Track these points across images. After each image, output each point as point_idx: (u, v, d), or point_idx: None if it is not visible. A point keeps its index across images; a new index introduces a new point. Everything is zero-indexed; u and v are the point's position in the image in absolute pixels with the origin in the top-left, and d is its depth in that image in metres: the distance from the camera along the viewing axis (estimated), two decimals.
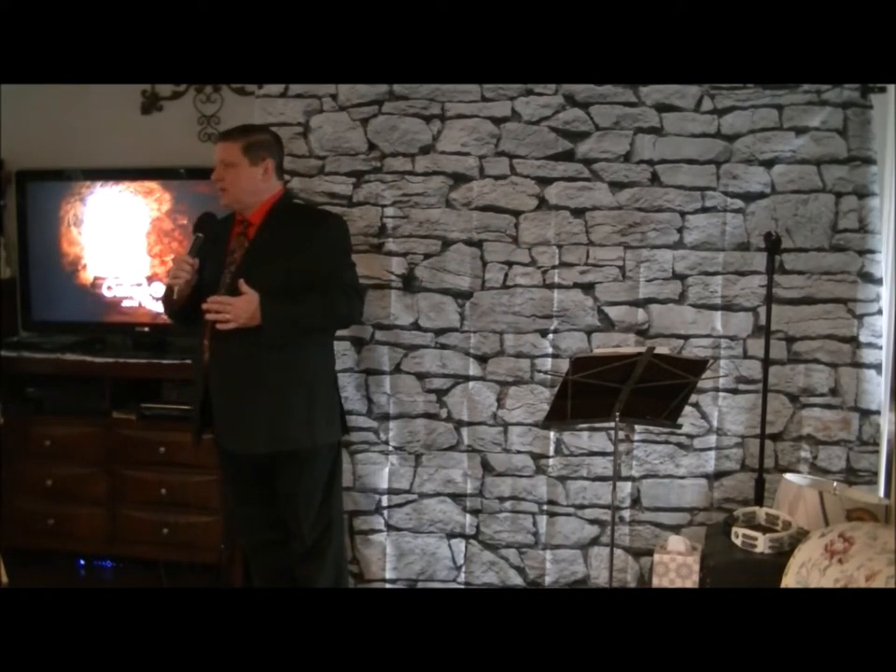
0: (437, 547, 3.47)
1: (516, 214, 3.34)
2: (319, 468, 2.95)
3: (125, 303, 3.97)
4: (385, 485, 3.46)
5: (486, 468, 3.43)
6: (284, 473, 2.90)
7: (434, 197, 3.36)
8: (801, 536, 2.47)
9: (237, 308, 2.71)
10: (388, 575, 3.48)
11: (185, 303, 2.87)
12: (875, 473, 3.22)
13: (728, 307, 3.28)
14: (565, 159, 3.30)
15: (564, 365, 3.02)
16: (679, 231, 3.27)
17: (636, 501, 3.37)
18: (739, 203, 3.24)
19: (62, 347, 3.89)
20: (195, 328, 2.91)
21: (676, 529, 3.28)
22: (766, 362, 3.08)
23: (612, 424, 2.89)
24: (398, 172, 3.38)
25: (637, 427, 3.31)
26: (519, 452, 3.41)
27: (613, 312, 3.32)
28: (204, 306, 2.73)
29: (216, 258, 2.88)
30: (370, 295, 3.32)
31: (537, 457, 3.40)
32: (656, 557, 2.98)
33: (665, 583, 2.95)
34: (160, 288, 3.89)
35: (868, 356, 3.21)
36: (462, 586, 3.48)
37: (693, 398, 3.13)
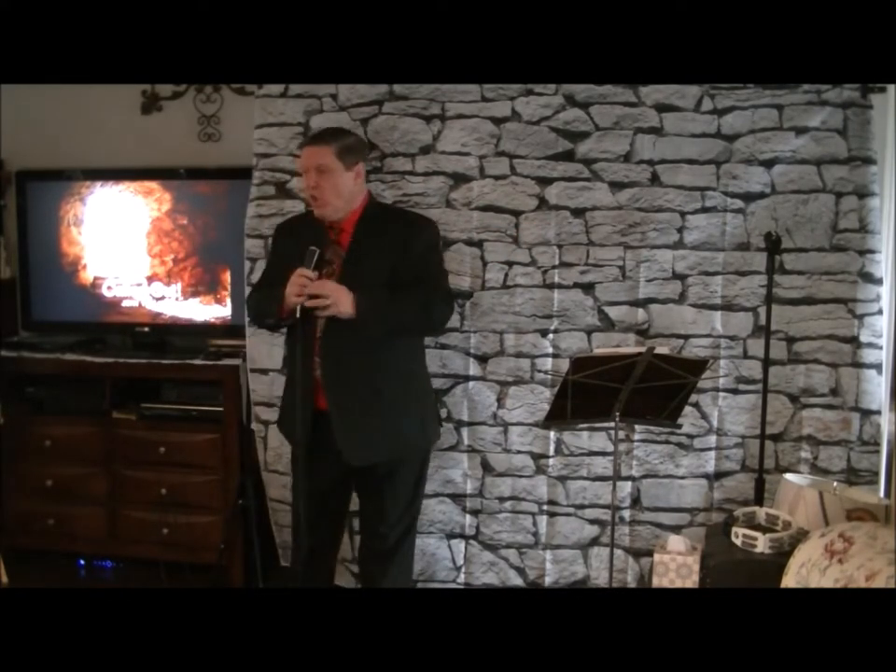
0: (437, 547, 3.47)
1: (516, 214, 3.34)
2: (415, 468, 2.95)
3: (125, 303, 3.97)
4: None
5: (486, 468, 3.43)
6: (385, 477, 2.86)
7: (434, 197, 3.36)
8: (801, 536, 2.47)
9: (339, 293, 2.65)
10: None
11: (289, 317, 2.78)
12: (876, 473, 3.22)
13: (728, 307, 3.28)
14: (565, 159, 3.30)
15: (564, 365, 3.02)
16: (679, 231, 3.27)
17: (636, 501, 3.37)
18: (739, 203, 3.24)
19: (61, 347, 3.89)
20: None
21: (676, 529, 3.28)
22: (766, 362, 3.08)
23: (612, 424, 2.90)
24: (398, 172, 3.37)
25: (637, 427, 3.31)
26: (519, 452, 3.41)
27: (613, 312, 3.32)
28: (307, 290, 2.64)
29: (318, 266, 2.76)
30: None
31: (537, 457, 3.40)
32: (656, 557, 2.98)
33: (665, 583, 2.95)
34: (157, 289, 3.89)
35: (868, 356, 3.21)
36: (462, 586, 3.48)
37: (693, 398, 3.13)
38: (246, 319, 3.51)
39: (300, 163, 2.88)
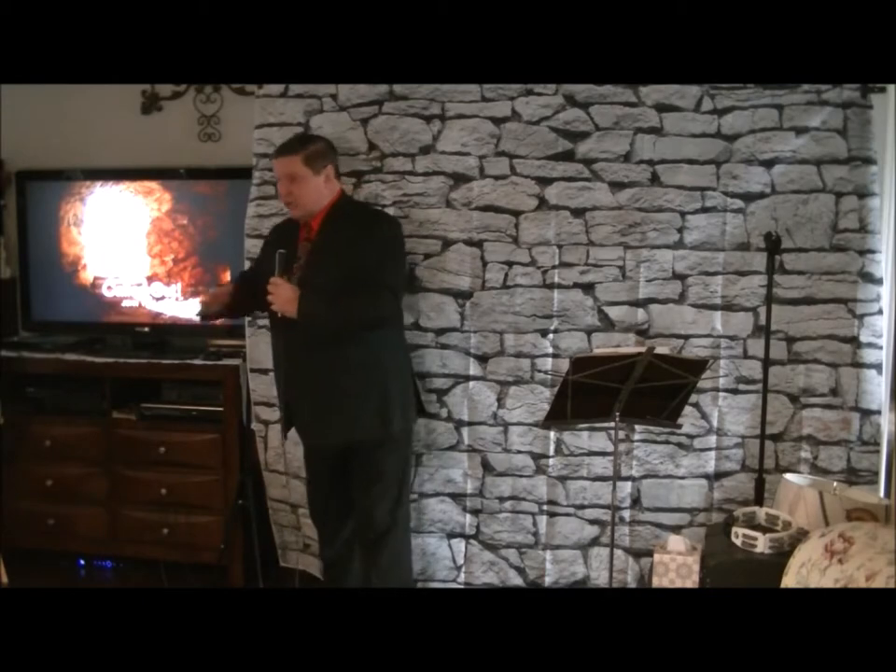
0: (437, 547, 3.47)
1: (516, 214, 3.34)
2: (392, 454, 3.06)
3: (125, 303, 3.98)
4: None
5: (486, 467, 3.43)
6: (360, 462, 3.02)
7: (434, 197, 3.36)
8: (801, 536, 2.47)
9: (281, 293, 2.81)
10: None
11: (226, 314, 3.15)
12: (876, 473, 3.22)
13: (728, 307, 3.28)
14: (565, 159, 3.30)
15: (564, 365, 3.02)
16: (679, 230, 3.27)
17: (636, 501, 3.37)
18: (739, 203, 3.24)
19: (62, 347, 3.90)
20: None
21: (676, 529, 3.28)
22: (766, 362, 3.08)
23: (612, 424, 2.90)
24: (398, 172, 3.38)
25: (637, 427, 3.31)
26: (519, 452, 3.41)
27: (613, 312, 3.32)
28: (269, 288, 2.83)
29: (286, 266, 2.92)
30: None
31: (537, 457, 3.40)
32: (656, 557, 2.98)
33: (665, 583, 2.95)
34: (157, 289, 3.91)
35: (868, 356, 3.21)
36: (462, 586, 3.48)
37: (693, 398, 3.13)
38: (246, 319, 3.52)
39: (275, 173, 3.03)
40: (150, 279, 3.94)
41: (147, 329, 3.95)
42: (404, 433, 3.12)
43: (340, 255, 2.88)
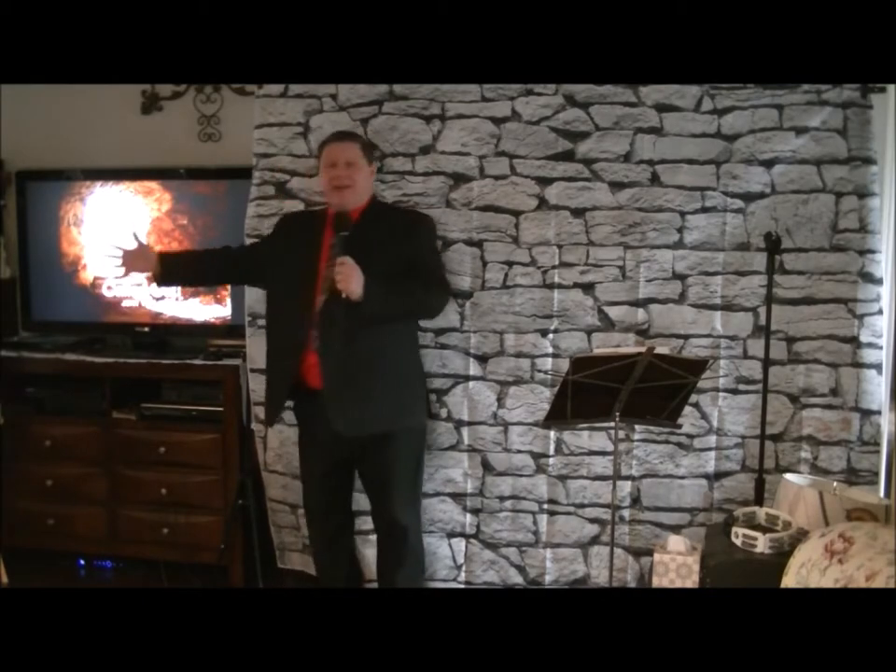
0: (437, 546, 3.47)
1: (516, 214, 3.34)
2: (410, 449, 3.11)
3: (125, 303, 3.97)
4: None
5: (487, 467, 3.43)
6: (381, 455, 3.02)
7: (434, 197, 3.36)
8: (801, 536, 2.47)
9: (349, 272, 2.75)
10: None
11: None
12: (876, 473, 3.22)
13: (728, 307, 3.28)
14: (565, 159, 3.30)
15: (564, 365, 3.02)
16: (679, 230, 3.27)
17: (636, 501, 3.37)
18: (739, 203, 3.24)
19: (62, 347, 3.89)
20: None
21: (676, 529, 3.28)
22: (766, 362, 3.08)
23: (612, 424, 2.90)
24: (398, 172, 3.37)
25: (637, 427, 3.31)
26: (519, 451, 3.41)
27: (613, 312, 3.32)
28: (335, 266, 2.78)
29: (306, 248, 2.97)
30: None
31: (537, 457, 3.40)
32: (656, 557, 2.98)
33: (665, 583, 2.95)
34: (157, 289, 3.90)
35: (868, 356, 3.20)
36: (462, 585, 3.48)
37: (693, 398, 3.13)
38: (246, 319, 3.52)
39: (326, 158, 3.01)
40: (150, 279, 3.93)
41: (146, 329, 3.95)
42: (423, 428, 3.21)
43: (385, 249, 2.93)
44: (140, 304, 3.96)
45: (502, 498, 3.43)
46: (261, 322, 3.48)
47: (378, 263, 2.84)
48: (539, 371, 3.36)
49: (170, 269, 3.14)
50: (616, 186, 3.28)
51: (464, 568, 3.48)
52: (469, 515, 3.46)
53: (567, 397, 2.78)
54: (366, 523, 3.43)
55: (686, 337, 3.29)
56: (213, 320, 3.90)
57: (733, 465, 3.30)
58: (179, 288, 3.89)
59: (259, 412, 3.55)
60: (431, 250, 3.14)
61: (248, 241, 3.49)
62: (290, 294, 2.96)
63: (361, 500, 3.41)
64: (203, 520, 3.70)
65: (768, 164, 3.21)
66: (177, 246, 3.88)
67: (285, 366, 2.99)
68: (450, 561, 3.48)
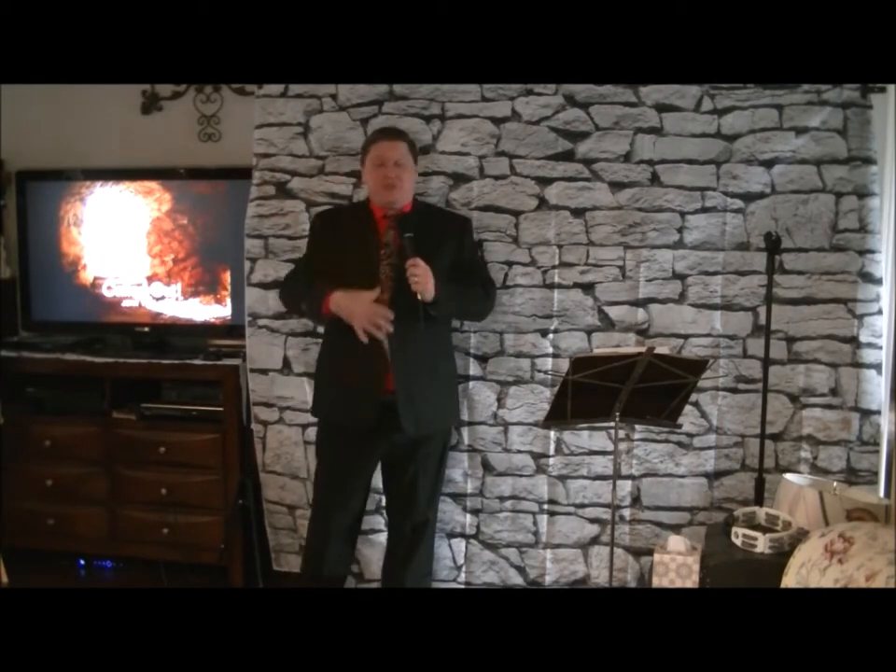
0: (437, 546, 3.46)
1: (516, 214, 3.34)
2: (445, 447, 3.20)
3: (125, 303, 3.98)
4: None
5: (487, 467, 3.43)
6: (418, 452, 3.05)
7: (434, 197, 3.36)
8: (801, 536, 2.47)
9: (424, 273, 2.80)
10: None
11: None
12: (876, 473, 3.22)
13: (728, 307, 3.28)
14: (565, 159, 3.30)
15: (564, 365, 3.02)
16: (679, 231, 3.27)
17: (636, 500, 3.37)
18: (739, 203, 3.24)
19: (62, 347, 3.89)
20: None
21: (676, 528, 3.28)
22: (766, 362, 3.08)
23: (612, 423, 2.90)
24: None
25: (637, 426, 3.31)
26: (519, 451, 3.41)
27: (613, 312, 3.32)
28: (409, 269, 2.79)
29: (362, 248, 2.96)
30: None
31: (537, 457, 3.40)
32: (656, 557, 2.98)
33: (665, 583, 2.95)
34: (157, 289, 3.90)
35: (868, 356, 3.21)
36: (462, 585, 3.48)
37: (693, 397, 3.13)
38: (246, 319, 3.52)
39: (374, 156, 2.98)
40: (150, 279, 3.94)
41: (146, 329, 3.95)
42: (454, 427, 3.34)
43: (442, 250, 2.98)
44: (140, 304, 3.96)
45: (502, 499, 3.43)
46: (262, 322, 3.48)
47: (438, 263, 2.89)
48: (539, 371, 3.36)
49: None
50: (616, 186, 3.28)
51: (464, 569, 3.48)
52: (469, 515, 3.46)
53: (567, 397, 2.78)
54: (365, 523, 3.43)
55: (686, 337, 3.29)
56: (213, 320, 3.90)
57: (733, 464, 3.31)
58: (179, 288, 3.90)
59: (259, 411, 3.55)
60: (475, 251, 3.23)
61: (248, 241, 3.49)
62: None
63: None
64: (202, 520, 3.70)
65: (768, 164, 3.21)
66: (177, 247, 3.88)
67: (365, 371, 2.92)
68: (450, 561, 3.48)
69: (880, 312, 3.20)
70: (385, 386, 2.92)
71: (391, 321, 2.84)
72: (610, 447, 3.22)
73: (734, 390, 3.29)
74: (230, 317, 3.85)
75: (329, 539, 3.10)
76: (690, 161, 3.25)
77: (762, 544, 2.55)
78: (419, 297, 2.79)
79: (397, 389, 2.90)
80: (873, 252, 3.19)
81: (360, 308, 2.86)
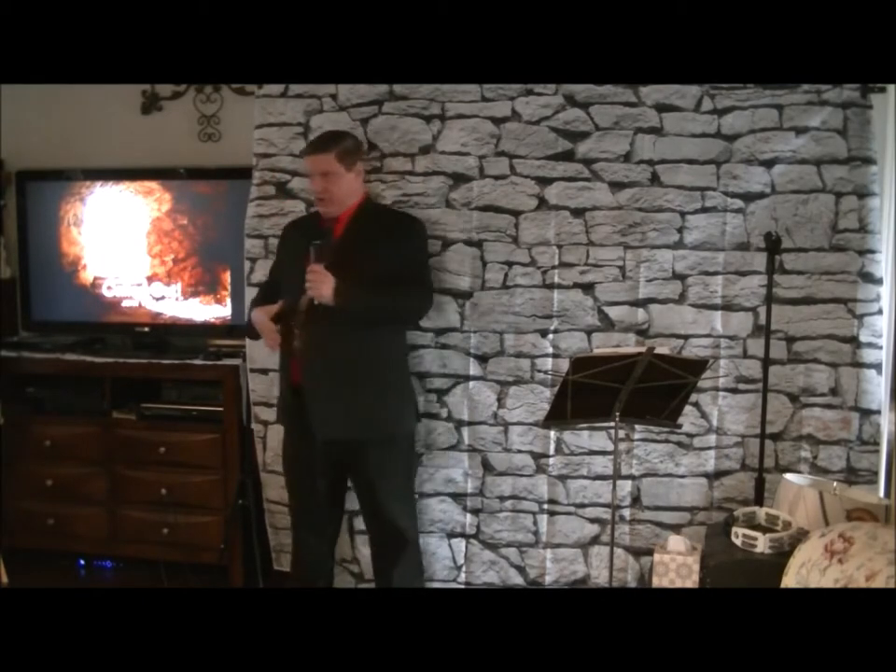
0: (437, 546, 3.47)
1: (516, 214, 3.34)
2: (398, 455, 3.11)
3: (125, 303, 3.98)
4: None
5: (487, 467, 3.43)
6: (370, 460, 3.01)
7: (434, 197, 3.36)
8: (801, 536, 2.47)
9: (320, 279, 2.80)
10: None
11: None
12: (876, 473, 3.22)
13: (728, 307, 3.28)
14: (565, 159, 3.30)
15: (564, 365, 3.02)
16: (679, 231, 3.27)
17: (636, 500, 3.37)
18: (739, 203, 3.24)
19: (62, 347, 3.90)
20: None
21: (676, 528, 3.28)
22: (766, 362, 3.08)
23: (612, 423, 2.90)
24: (398, 172, 3.38)
25: (637, 426, 3.31)
26: (519, 451, 3.41)
27: (613, 312, 3.32)
28: (307, 275, 2.81)
29: (298, 255, 2.95)
30: None
31: (537, 457, 3.40)
32: (656, 557, 2.98)
33: (665, 583, 2.95)
34: (157, 289, 3.91)
35: (868, 355, 3.20)
36: (462, 586, 3.48)
37: (693, 397, 3.13)
38: (246, 319, 3.51)
39: (307, 169, 3.04)
40: (150, 279, 3.94)
41: (146, 329, 3.95)
42: (411, 434, 3.20)
43: (371, 251, 2.94)
44: (140, 304, 3.96)
45: (502, 498, 3.43)
46: None
47: (366, 265, 2.87)
48: (539, 370, 3.36)
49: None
50: (616, 186, 3.28)
51: (464, 569, 3.48)
52: (469, 515, 3.46)
53: (567, 397, 2.78)
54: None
55: (686, 337, 3.29)
56: (213, 320, 3.90)
57: (733, 464, 3.30)
58: (179, 288, 3.90)
59: (259, 412, 3.55)
60: (418, 253, 3.11)
61: (248, 241, 3.49)
62: (290, 302, 2.93)
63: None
64: (202, 520, 3.70)
65: (768, 164, 3.21)
66: (177, 247, 3.88)
67: (283, 365, 3.05)
68: (450, 561, 3.48)
69: (880, 312, 3.20)
70: (292, 377, 2.97)
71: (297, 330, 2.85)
72: (610, 447, 3.22)
73: (734, 390, 3.29)
74: (230, 317, 3.85)
75: (304, 539, 3.15)
76: (690, 161, 3.25)
77: (762, 544, 2.55)
78: (314, 301, 2.81)
79: (305, 391, 2.92)
80: (873, 252, 3.19)
81: (259, 323, 2.97)
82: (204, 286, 3.88)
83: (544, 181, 3.31)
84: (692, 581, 2.90)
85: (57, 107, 4.06)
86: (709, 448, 3.31)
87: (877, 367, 3.21)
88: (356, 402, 2.94)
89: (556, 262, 3.33)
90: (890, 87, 3.15)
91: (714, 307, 3.29)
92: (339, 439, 2.96)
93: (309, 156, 3.01)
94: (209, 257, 3.87)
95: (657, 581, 2.97)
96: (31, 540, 3.83)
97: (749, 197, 3.23)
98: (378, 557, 3.19)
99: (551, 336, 3.36)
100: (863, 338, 3.20)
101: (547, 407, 3.06)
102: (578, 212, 3.31)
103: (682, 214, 3.26)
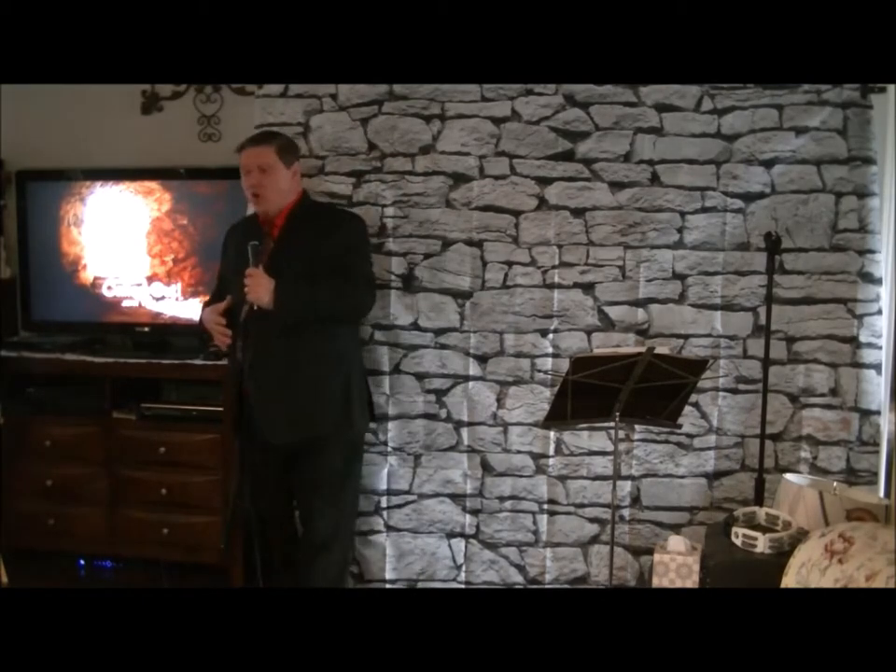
0: (437, 547, 3.47)
1: (516, 214, 3.34)
2: (350, 457, 3.10)
3: (125, 303, 3.97)
4: (384, 486, 3.46)
5: (486, 468, 3.43)
6: (312, 462, 3.00)
7: (434, 197, 3.36)
8: (801, 536, 2.47)
9: (257, 282, 2.78)
10: (388, 575, 3.48)
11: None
12: (875, 473, 3.22)
13: (728, 307, 3.28)
14: (565, 159, 3.30)
15: (564, 365, 3.02)
16: (679, 231, 3.27)
17: (636, 500, 3.37)
18: (739, 203, 3.24)
19: (62, 347, 3.89)
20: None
21: (676, 529, 3.28)
22: (766, 362, 3.08)
23: (612, 424, 2.89)
24: (398, 172, 3.38)
25: (637, 427, 3.31)
26: (519, 452, 3.41)
27: (613, 312, 3.32)
28: (245, 278, 2.79)
29: (237, 260, 2.94)
30: None
31: (537, 457, 3.40)
32: (656, 557, 2.98)
33: (665, 583, 2.95)
34: (157, 289, 3.90)
35: (868, 356, 3.21)
36: (462, 585, 3.48)
37: (693, 397, 3.13)
38: None
39: (241, 164, 2.98)
40: (150, 279, 3.93)
41: (146, 329, 3.95)
42: (361, 435, 3.20)
43: (308, 249, 2.90)
44: (140, 304, 3.95)
45: (502, 499, 3.43)
46: None
47: (303, 264, 2.85)
48: (539, 370, 3.36)
49: None
50: (616, 186, 3.29)
51: (464, 568, 3.48)
52: (468, 516, 3.46)
53: (567, 397, 2.78)
54: (365, 523, 3.44)
55: (686, 337, 3.30)
56: None
57: (732, 464, 3.31)
58: (179, 288, 3.90)
59: None
60: (357, 249, 3.06)
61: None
62: (235, 307, 2.92)
63: (360, 501, 3.42)
64: (203, 520, 3.69)
65: (768, 164, 3.21)
66: (177, 247, 3.88)
67: (232, 377, 2.96)
68: (450, 561, 3.48)
69: (880, 312, 3.20)
70: (242, 388, 2.86)
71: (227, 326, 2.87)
72: (610, 447, 3.22)
73: (734, 390, 3.29)
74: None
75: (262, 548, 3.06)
76: (690, 161, 3.25)
77: (762, 544, 2.55)
78: (254, 306, 2.78)
79: (250, 391, 2.87)
80: (873, 252, 3.19)
81: (208, 322, 2.96)
82: (204, 286, 3.87)
83: (544, 181, 3.31)
84: (692, 581, 2.90)
85: (57, 107, 4.05)
86: (709, 448, 3.31)
87: (877, 367, 3.21)
88: (297, 404, 2.93)
89: (556, 262, 3.33)
90: (890, 87, 3.15)
91: (714, 307, 3.29)
92: (283, 442, 2.96)
93: (247, 149, 2.96)
94: (209, 257, 3.86)
95: (657, 581, 2.97)
96: (31, 540, 3.82)
97: (748, 197, 3.23)
98: (300, 560, 3.14)
99: (551, 336, 3.36)
100: (863, 338, 3.20)
101: (547, 407, 3.06)
102: (578, 212, 3.31)
103: (682, 214, 3.27)
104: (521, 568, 3.45)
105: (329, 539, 3.07)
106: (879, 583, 1.88)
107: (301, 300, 2.85)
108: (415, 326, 3.39)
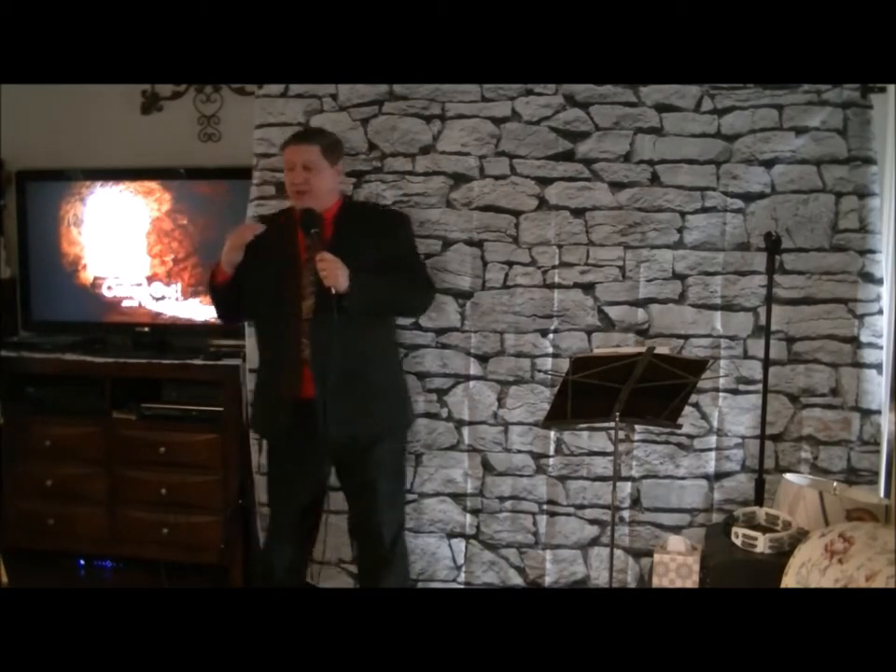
0: (437, 547, 3.47)
1: (516, 214, 3.34)
2: (394, 452, 3.09)
3: (125, 303, 3.97)
4: None
5: (487, 467, 3.43)
6: (370, 459, 2.97)
7: (434, 197, 3.36)
8: (801, 536, 2.47)
9: (332, 266, 2.73)
10: None
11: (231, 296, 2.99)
12: (876, 473, 3.22)
13: (728, 307, 3.28)
14: (565, 159, 3.30)
15: (564, 365, 3.02)
16: (679, 231, 3.27)
17: (636, 501, 3.37)
18: (739, 203, 3.24)
19: (62, 347, 3.89)
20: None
21: (676, 530, 3.27)
22: (766, 362, 3.08)
23: (612, 424, 2.89)
24: (398, 172, 3.37)
25: (637, 427, 3.30)
26: (519, 451, 3.41)
27: (613, 312, 3.32)
28: (317, 263, 2.75)
29: (283, 255, 2.91)
30: None
31: (537, 457, 3.40)
32: (656, 557, 2.98)
33: (665, 583, 2.95)
34: (157, 289, 3.90)
35: (868, 356, 3.20)
36: (462, 586, 3.48)
37: (694, 398, 3.12)
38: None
39: (285, 161, 2.95)
40: (150, 279, 3.94)
41: (147, 329, 3.95)
42: (405, 431, 3.23)
43: (366, 248, 2.87)
44: (140, 304, 3.96)
45: (502, 499, 3.43)
46: None
47: (357, 264, 2.80)
48: (539, 370, 3.36)
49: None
50: (616, 186, 3.28)
51: (464, 569, 3.48)
52: (468, 516, 3.46)
53: (567, 397, 2.78)
54: None
55: (686, 337, 3.29)
56: (213, 320, 3.88)
57: (733, 465, 3.30)
58: (179, 288, 3.90)
59: None
60: (411, 248, 3.11)
61: None
62: (275, 304, 2.89)
63: None
64: (202, 520, 3.70)
65: (768, 164, 3.21)
66: (177, 247, 3.88)
67: (286, 379, 2.89)
68: (450, 561, 3.48)
69: (880, 312, 3.20)
70: (301, 391, 2.85)
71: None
72: (610, 448, 3.22)
73: (734, 391, 3.29)
74: None
75: (279, 550, 3.08)
76: (690, 161, 3.25)
77: (762, 544, 2.55)
78: (332, 290, 2.73)
79: (316, 390, 2.83)
80: (873, 252, 3.18)
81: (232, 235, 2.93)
82: (204, 286, 3.88)
83: (544, 181, 3.31)
84: (692, 582, 2.90)
85: (57, 107, 4.06)
86: (710, 449, 3.31)
87: (878, 367, 3.21)
88: (365, 401, 2.89)
89: (556, 262, 3.33)
90: (890, 87, 3.15)
91: (714, 307, 3.28)
92: (347, 433, 2.87)
93: (293, 146, 2.92)
94: (209, 257, 3.85)
95: (657, 582, 2.97)
96: (31, 540, 3.83)
97: (749, 197, 3.23)
98: (362, 561, 3.16)
99: (551, 336, 3.36)
100: (864, 338, 3.20)
101: (547, 407, 3.06)
102: (578, 212, 3.31)
103: (682, 214, 3.26)
104: (520, 570, 3.44)
105: (387, 533, 3.04)
106: (879, 583, 1.88)
107: (373, 288, 2.83)
108: (416, 325, 3.39)
